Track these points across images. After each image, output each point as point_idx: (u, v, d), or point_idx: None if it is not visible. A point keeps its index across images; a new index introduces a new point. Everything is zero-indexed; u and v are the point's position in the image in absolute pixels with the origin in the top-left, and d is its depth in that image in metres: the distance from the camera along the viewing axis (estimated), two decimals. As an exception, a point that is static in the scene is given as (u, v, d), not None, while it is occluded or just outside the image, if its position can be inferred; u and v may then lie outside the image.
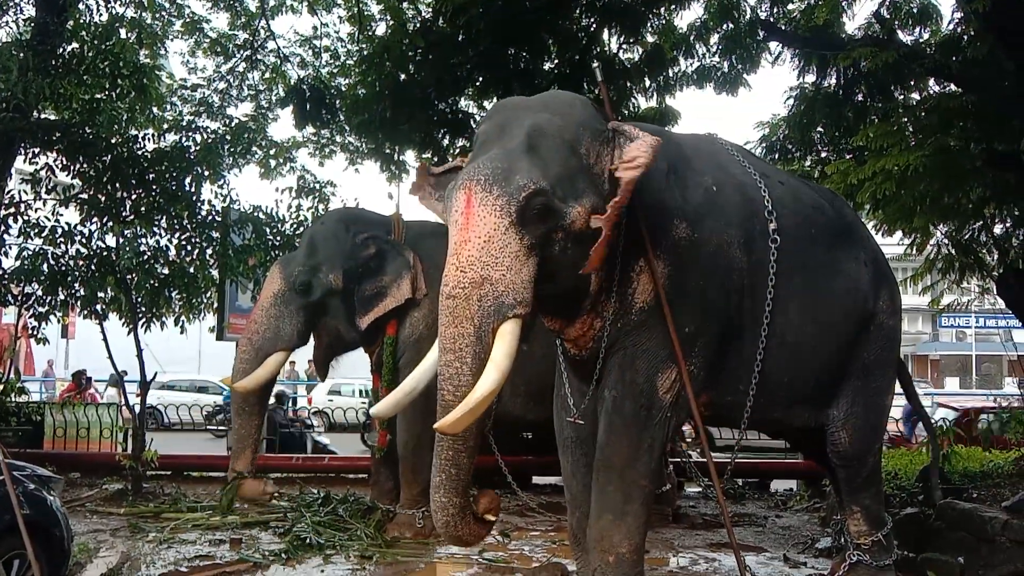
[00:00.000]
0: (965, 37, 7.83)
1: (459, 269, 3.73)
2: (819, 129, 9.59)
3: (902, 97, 8.71)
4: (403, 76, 9.79)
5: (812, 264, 4.83)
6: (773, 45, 9.47)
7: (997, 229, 8.73)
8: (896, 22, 8.50)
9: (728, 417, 4.89)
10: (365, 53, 10.93)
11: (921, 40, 8.53)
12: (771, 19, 9.39)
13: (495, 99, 9.98)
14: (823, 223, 5.01)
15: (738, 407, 4.69)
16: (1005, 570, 5.44)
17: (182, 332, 9.25)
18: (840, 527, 5.82)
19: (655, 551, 6.28)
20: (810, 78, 9.27)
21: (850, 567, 5.23)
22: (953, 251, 8.84)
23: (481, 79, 9.91)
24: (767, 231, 4.61)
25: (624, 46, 10.24)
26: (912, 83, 8.45)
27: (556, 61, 10.05)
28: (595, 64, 4.64)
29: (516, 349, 3.75)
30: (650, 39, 10.19)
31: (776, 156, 9.93)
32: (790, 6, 9.38)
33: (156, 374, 8.81)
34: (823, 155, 9.96)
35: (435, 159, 10.49)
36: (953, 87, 7.93)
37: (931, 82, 8.42)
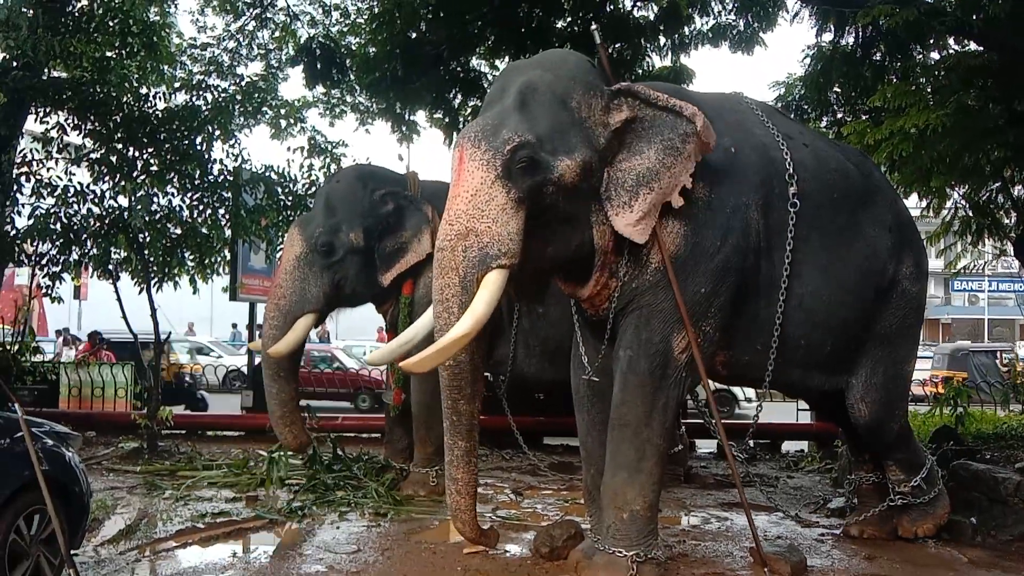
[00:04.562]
0: (987, -6, 7.68)
1: (448, 223, 3.90)
2: (836, 89, 9.44)
3: (921, 56, 8.55)
4: (414, 34, 9.67)
5: (832, 228, 4.80)
6: (791, 3, 9.32)
7: (1016, 190, 8.62)
8: (917, -21, 8.34)
9: (745, 377, 4.90)
10: (376, 11, 10.76)
11: (942, -3, 8.37)
12: (789, -25, 9.23)
13: (508, 58, 9.87)
14: (846, 187, 4.96)
15: (755, 367, 4.69)
16: (1017, 530, 5.48)
17: (195, 292, 9.24)
18: (853, 487, 5.85)
19: (667, 510, 6.30)
20: (828, 37, 9.11)
21: (901, 509, 5.36)
22: (970, 212, 8.74)
23: (494, 37, 9.78)
24: (787, 194, 4.59)
25: (639, 3, 10.09)
26: (932, 42, 8.27)
27: (570, 19, 9.90)
28: (594, 27, 4.66)
29: (497, 298, 3.87)
30: (666, -4, 10.03)
31: (791, 116, 9.80)
32: (809, -38, 9.20)
33: (170, 334, 8.82)
34: (839, 116, 9.82)
35: (446, 119, 10.43)
36: (974, 46, 7.80)
37: (951, 41, 8.27)
